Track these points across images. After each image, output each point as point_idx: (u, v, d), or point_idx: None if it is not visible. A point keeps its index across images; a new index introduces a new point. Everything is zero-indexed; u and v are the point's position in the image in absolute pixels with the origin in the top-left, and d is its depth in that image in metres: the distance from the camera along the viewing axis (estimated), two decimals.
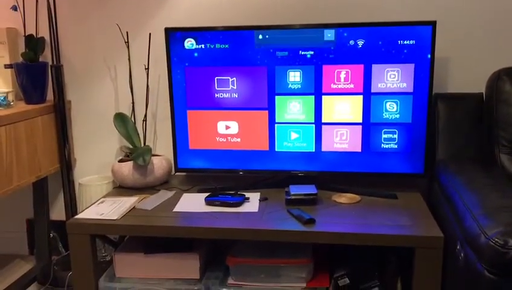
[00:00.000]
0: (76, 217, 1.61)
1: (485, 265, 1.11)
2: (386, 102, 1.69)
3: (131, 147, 1.92)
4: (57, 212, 2.15)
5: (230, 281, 1.58)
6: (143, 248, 1.63)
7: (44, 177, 1.96)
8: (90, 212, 1.63)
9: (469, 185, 1.41)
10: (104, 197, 1.78)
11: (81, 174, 2.08)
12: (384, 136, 1.72)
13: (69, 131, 1.98)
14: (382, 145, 1.73)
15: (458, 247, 1.29)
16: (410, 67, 1.65)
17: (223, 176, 1.93)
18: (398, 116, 1.70)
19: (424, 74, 1.65)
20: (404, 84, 1.67)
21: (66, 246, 2.09)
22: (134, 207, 1.66)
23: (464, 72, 1.84)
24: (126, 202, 1.69)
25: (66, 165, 1.95)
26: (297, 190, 1.66)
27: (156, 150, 2.05)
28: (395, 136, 1.71)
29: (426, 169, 1.72)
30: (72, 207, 1.97)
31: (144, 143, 1.99)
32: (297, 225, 1.49)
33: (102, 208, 1.66)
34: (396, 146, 1.72)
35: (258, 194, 1.75)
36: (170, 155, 1.92)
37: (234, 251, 1.60)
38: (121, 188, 1.87)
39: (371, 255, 1.60)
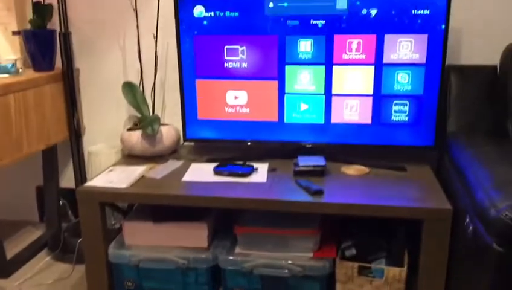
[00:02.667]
0: (86, 184, 1.62)
1: (494, 238, 1.11)
2: (397, 73, 1.67)
3: (139, 116, 1.92)
4: (67, 180, 2.16)
5: (237, 250, 1.59)
6: (152, 216, 1.64)
7: (53, 145, 1.97)
8: (99, 180, 1.64)
9: (480, 158, 1.40)
10: (113, 165, 1.79)
11: (90, 143, 2.08)
12: (395, 108, 1.70)
13: (77, 99, 1.98)
14: (392, 117, 1.71)
15: (467, 220, 1.28)
16: (424, 38, 1.62)
17: (232, 147, 1.93)
18: (409, 87, 1.67)
19: (438, 45, 1.62)
20: (417, 55, 1.64)
21: (75, 213, 2.11)
22: (143, 176, 1.67)
23: (477, 44, 1.80)
24: (135, 171, 1.70)
25: (75, 133, 1.95)
26: (305, 161, 1.65)
27: (165, 120, 2.05)
28: (406, 108, 1.69)
29: (436, 142, 1.71)
30: (81, 175, 1.98)
31: (153, 112, 1.98)
32: (306, 195, 1.50)
33: (111, 176, 1.67)
34: (406, 118, 1.70)
35: (267, 164, 1.75)
36: (179, 125, 1.92)
37: (242, 220, 1.61)
38: (129, 157, 1.87)
39: (378, 227, 1.61)
